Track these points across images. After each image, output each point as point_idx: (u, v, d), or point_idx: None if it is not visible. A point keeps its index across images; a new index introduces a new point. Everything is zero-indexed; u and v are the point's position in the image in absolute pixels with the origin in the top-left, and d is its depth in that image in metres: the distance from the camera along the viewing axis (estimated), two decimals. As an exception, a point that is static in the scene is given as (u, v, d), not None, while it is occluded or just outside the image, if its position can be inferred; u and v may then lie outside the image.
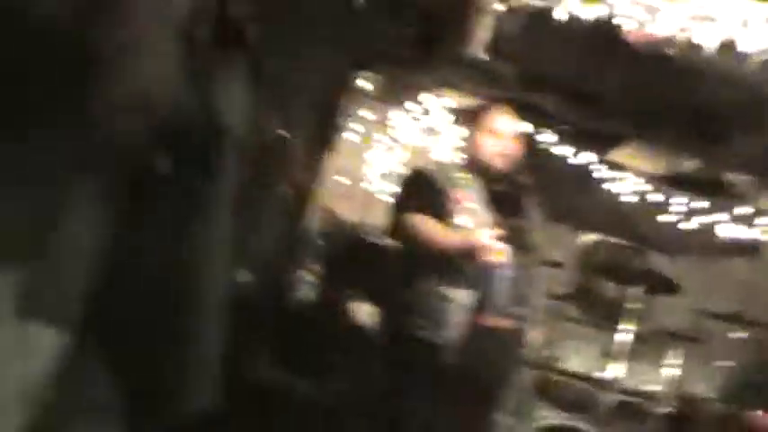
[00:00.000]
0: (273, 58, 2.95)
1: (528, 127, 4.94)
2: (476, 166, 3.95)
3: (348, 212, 5.25)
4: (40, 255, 1.79)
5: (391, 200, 4.16)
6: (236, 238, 2.62)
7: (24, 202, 1.71)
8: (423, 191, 3.87)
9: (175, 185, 2.24)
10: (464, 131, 5.68)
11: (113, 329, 1.97)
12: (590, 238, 6.39)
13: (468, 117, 4.24)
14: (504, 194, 3.93)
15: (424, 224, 3.75)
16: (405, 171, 4.38)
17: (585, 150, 6.04)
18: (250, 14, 2.56)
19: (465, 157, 4.04)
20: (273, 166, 3.33)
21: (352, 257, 4.99)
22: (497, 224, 3.77)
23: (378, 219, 5.39)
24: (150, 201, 2.17)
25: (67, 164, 1.78)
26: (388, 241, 4.43)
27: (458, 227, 3.75)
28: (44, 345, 1.84)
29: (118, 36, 1.67)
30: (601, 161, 6.17)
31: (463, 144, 4.18)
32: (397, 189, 4.04)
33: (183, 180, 2.26)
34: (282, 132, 3.25)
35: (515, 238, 3.78)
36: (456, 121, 5.89)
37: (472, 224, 3.75)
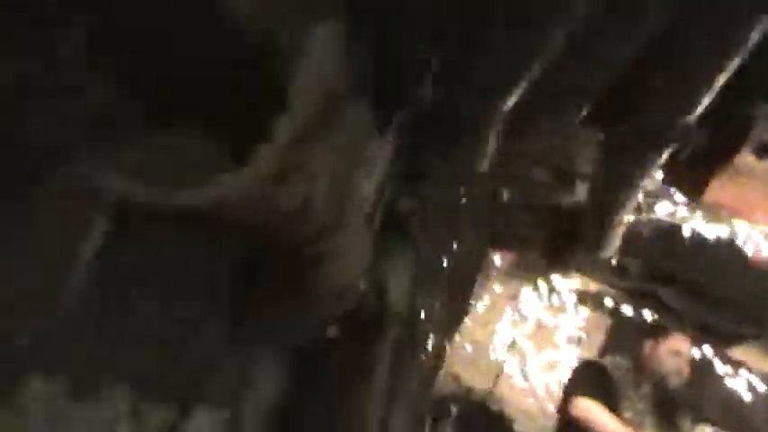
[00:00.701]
0: (429, 242, 3.36)
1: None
2: (648, 373, 4.41)
3: (473, 380, 5.56)
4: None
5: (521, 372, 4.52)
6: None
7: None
8: (596, 381, 4.36)
9: (342, 351, 2.64)
10: (585, 313, 6.04)
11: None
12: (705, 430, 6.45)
13: (649, 332, 4.73)
14: (666, 402, 4.41)
15: (596, 411, 4.27)
16: (579, 360, 5.06)
17: (704, 343, 6.22)
18: (414, 209, 3.00)
19: (636, 362, 4.48)
20: (422, 334, 3.67)
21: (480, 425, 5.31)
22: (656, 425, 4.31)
23: (500, 387, 5.70)
24: (320, 364, 2.56)
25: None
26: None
27: (623, 421, 4.25)
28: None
29: (332, 241, 2.07)
30: (719, 356, 6.32)
31: (637, 351, 4.62)
32: (565, 372, 4.52)
33: (348, 347, 2.66)
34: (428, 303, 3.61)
35: None
36: (579, 302, 6.22)
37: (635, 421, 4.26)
